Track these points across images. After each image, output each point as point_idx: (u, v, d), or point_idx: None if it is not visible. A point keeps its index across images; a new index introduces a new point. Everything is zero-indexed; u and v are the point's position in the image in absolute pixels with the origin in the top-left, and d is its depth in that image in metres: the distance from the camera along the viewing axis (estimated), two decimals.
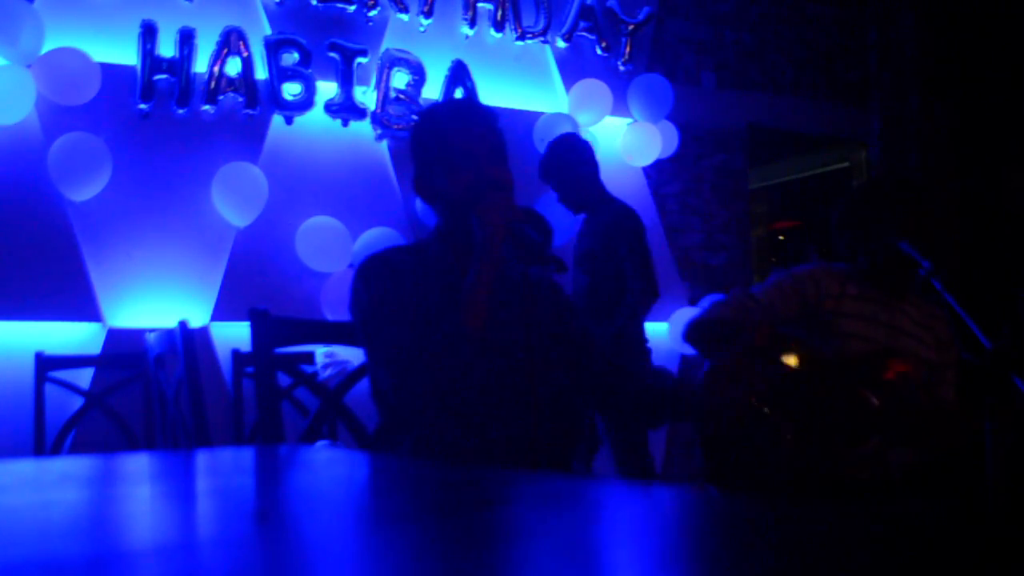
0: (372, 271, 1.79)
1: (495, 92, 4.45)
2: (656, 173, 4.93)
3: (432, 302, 1.75)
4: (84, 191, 3.60)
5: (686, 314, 4.42)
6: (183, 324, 1.87)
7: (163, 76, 3.82)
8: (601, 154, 4.62)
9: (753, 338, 2.05)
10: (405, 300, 1.74)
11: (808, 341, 2.26)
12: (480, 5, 4.47)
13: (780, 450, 2.13)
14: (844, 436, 2.11)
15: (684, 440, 4.69)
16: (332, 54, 4.11)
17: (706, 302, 4.36)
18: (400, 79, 4.21)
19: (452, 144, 1.80)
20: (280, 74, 4.00)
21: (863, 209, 2.31)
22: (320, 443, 2.45)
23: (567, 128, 4.30)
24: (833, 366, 2.17)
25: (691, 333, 2.28)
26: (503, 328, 1.76)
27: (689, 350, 2.80)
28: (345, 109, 4.12)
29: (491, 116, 1.85)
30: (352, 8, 4.22)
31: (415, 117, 4.17)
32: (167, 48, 3.83)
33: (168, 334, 1.97)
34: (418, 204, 4.19)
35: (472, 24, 4.45)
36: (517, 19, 4.53)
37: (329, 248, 3.97)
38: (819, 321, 2.27)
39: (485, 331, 1.68)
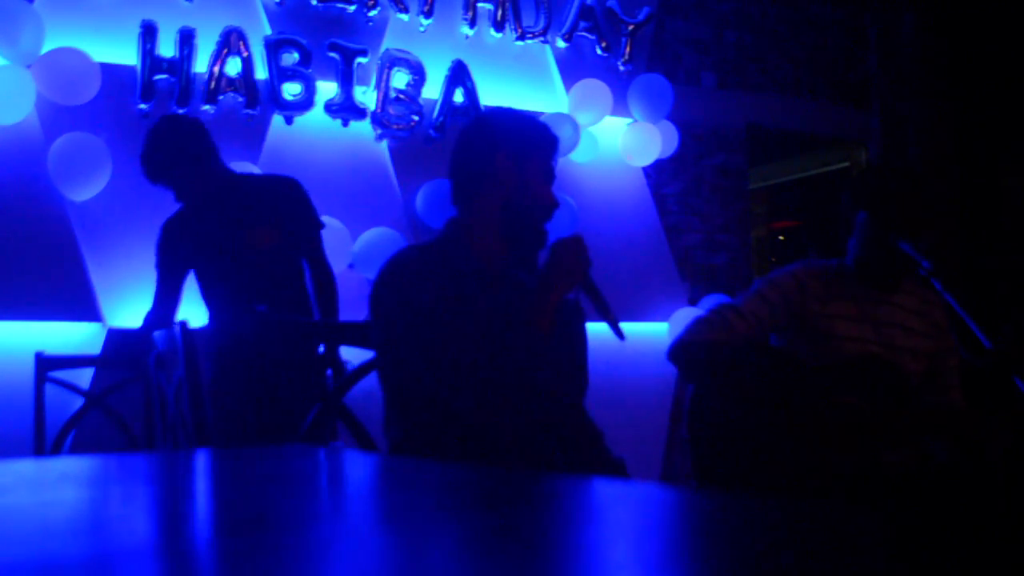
0: (402, 274, 1.76)
1: (495, 92, 4.45)
2: (656, 173, 4.93)
3: (473, 303, 1.76)
4: (84, 191, 3.59)
5: (686, 314, 4.42)
6: (183, 324, 1.87)
7: (163, 76, 3.81)
8: (601, 154, 4.64)
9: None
10: (445, 302, 1.73)
11: (798, 352, 2.23)
12: (480, 5, 4.46)
13: (772, 457, 2.13)
14: (836, 443, 2.10)
15: (684, 440, 4.68)
16: (332, 54, 4.11)
17: (707, 302, 4.36)
18: (400, 79, 4.21)
19: (520, 156, 1.81)
20: (280, 74, 3.99)
21: (858, 200, 2.27)
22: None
23: (568, 129, 4.29)
24: (824, 376, 2.15)
25: (675, 355, 2.23)
26: (556, 338, 1.81)
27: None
28: (345, 109, 4.11)
29: (557, 141, 1.89)
30: (352, 8, 4.22)
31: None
32: (167, 48, 3.83)
33: (168, 334, 1.97)
34: (419, 200, 4.20)
35: (472, 24, 4.45)
36: (517, 19, 4.53)
37: (329, 248, 3.95)
38: (807, 325, 2.23)
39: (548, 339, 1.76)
